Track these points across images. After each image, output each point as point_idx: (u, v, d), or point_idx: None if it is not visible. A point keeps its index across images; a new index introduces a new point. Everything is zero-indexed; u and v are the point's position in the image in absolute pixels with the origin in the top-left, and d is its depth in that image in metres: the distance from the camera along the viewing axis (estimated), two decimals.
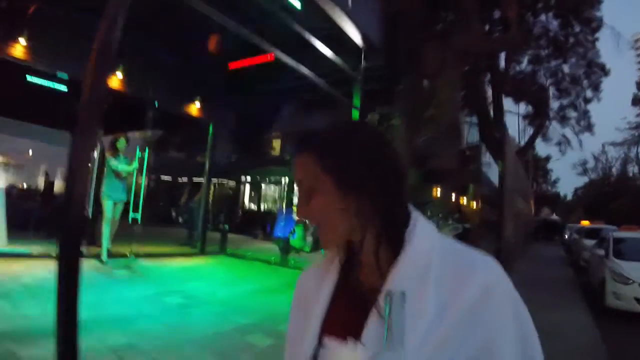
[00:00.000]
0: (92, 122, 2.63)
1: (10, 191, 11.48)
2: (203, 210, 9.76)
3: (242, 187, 17.10)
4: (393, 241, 0.78)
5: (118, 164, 6.97)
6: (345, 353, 0.76)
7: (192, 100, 9.04)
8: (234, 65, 7.89)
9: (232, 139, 11.48)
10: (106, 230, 6.81)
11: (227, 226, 10.15)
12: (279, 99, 10.47)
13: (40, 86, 9.16)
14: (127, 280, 6.28)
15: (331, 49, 6.27)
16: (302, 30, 5.68)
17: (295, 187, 0.87)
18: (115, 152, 7.05)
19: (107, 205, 6.84)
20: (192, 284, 6.49)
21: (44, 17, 6.25)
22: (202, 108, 9.18)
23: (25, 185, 15.14)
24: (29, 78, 9.03)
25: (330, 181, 0.77)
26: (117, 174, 6.98)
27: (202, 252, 9.44)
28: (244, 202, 17.24)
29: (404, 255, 0.76)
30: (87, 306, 4.42)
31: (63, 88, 9.05)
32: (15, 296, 4.59)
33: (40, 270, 5.69)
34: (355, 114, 6.85)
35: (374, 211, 0.78)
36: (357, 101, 6.76)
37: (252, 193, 17.40)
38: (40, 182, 15.37)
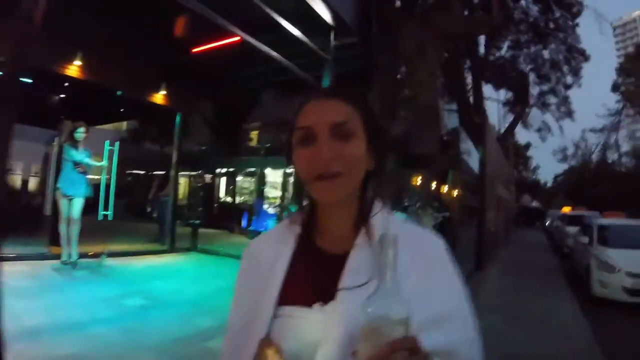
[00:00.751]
0: (9, 102, 2.34)
1: None
2: (172, 204, 9.34)
3: (216, 179, 16.56)
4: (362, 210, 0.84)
5: (83, 157, 6.38)
6: (311, 317, 0.75)
7: (158, 89, 8.52)
8: (196, 49, 7.41)
9: (205, 128, 11.05)
10: (63, 230, 6.22)
11: (197, 221, 9.72)
12: (250, 86, 10.06)
13: None
14: (87, 281, 5.87)
15: (300, 28, 5.86)
16: (267, 7, 5.27)
17: (316, 132, 0.78)
18: (73, 142, 6.43)
19: (62, 204, 6.22)
20: (156, 283, 6.12)
21: None
22: (169, 96, 8.67)
23: None
24: None
25: (365, 133, 0.81)
26: (77, 165, 6.38)
27: (172, 249, 8.98)
28: (219, 195, 16.72)
29: (368, 224, 0.81)
30: (38, 311, 4.12)
31: (25, 79, 8.46)
32: None
33: None
34: None
35: (378, 176, 0.86)
36: (326, 83, 6.37)
37: (228, 185, 16.90)
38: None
